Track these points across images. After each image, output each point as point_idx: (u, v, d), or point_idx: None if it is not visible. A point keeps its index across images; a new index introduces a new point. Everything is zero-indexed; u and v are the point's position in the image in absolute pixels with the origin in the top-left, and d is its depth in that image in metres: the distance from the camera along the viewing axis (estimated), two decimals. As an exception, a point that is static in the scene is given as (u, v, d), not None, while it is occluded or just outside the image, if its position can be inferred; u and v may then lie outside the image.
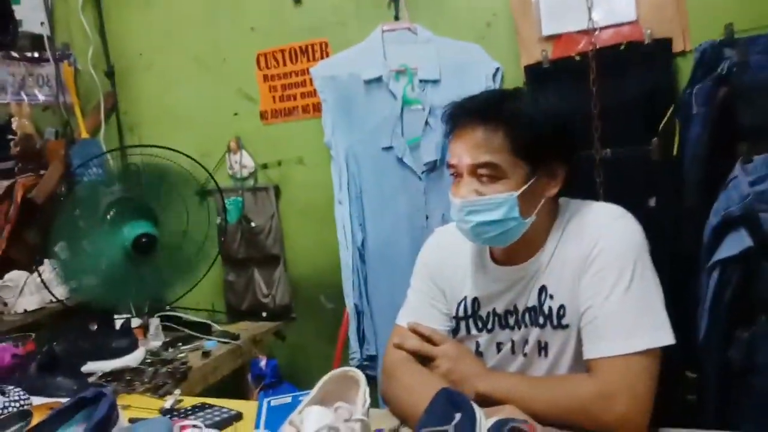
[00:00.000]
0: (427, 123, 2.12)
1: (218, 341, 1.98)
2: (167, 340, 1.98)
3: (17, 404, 1.29)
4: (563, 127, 1.12)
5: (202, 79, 2.65)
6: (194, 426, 1.08)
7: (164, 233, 1.97)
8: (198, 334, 2.02)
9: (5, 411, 1.25)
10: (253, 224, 2.51)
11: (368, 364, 2.20)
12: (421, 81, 2.14)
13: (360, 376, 0.95)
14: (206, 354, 1.88)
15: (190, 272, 2.08)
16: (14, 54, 2.65)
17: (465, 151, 1.09)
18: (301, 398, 1.27)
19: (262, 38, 2.52)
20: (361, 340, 2.18)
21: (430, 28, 2.19)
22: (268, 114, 2.55)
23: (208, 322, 2.14)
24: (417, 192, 2.13)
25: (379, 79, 2.17)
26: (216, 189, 2.19)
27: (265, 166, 2.57)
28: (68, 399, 1.14)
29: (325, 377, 0.95)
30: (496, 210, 1.07)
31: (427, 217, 2.12)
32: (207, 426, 1.13)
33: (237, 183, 2.57)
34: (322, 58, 2.39)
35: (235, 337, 2.02)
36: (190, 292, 2.14)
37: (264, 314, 2.52)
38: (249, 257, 2.55)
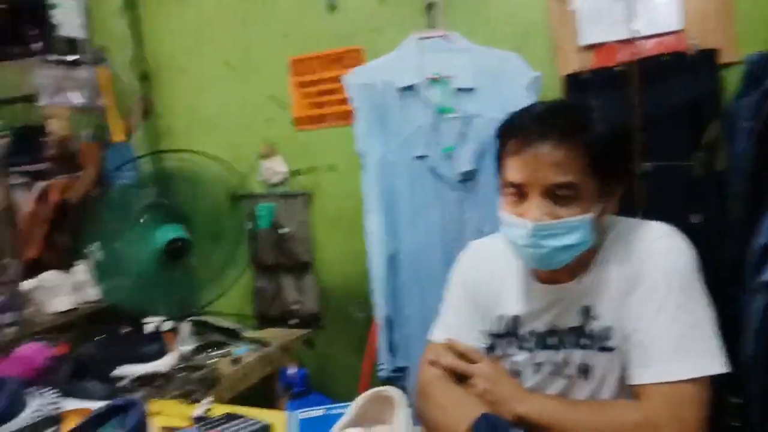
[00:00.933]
0: (462, 132, 2.08)
1: (248, 348, 1.96)
2: (197, 345, 1.97)
3: (50, 407, 1.29)
4: (630, 143, 1.08)
5: (234, 84, 2.66)
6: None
7: (196, 238, 1.97)
8: (228, 340, 2.01)
9: (39, 413, 1.25)
10: (284, 230, 2.50)
11: (396, 376, 2.17)
12: (456, 89, 2.10)
13: (396, 395, 0.92)
14: (236, 361, 1.87)
15: (221, 277, 2.08)
16: (51, 58, 2.68)
17: (540, 169, 1.00)
18: (332, 411, 1.25)
19: (295, 45, 2.52)
20: (390, 351, 2.15)
21: (467, 36, 2.15)
22: (300, 120, 2.54)
23: (238, 328, 2.13)
24: (451, 202, 2.09)
25: (413, 87, 2.14)
26: (248, 194, 2.18)
27: (297, 173, 2.56)
28: (99, 404, 1.14)
29: (360, 397, 0.92)
30: (572, 233, 1.01)
31: (460, 229, 2.08)
32: (237, 438, 1.12)
33: (269, 189, 2.57)
34: (356, 65, 2.37)
35: (266, 344, 2.01)
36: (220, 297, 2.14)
37: (291, 321, 2.51)
38: (278, 264, 2.54)
